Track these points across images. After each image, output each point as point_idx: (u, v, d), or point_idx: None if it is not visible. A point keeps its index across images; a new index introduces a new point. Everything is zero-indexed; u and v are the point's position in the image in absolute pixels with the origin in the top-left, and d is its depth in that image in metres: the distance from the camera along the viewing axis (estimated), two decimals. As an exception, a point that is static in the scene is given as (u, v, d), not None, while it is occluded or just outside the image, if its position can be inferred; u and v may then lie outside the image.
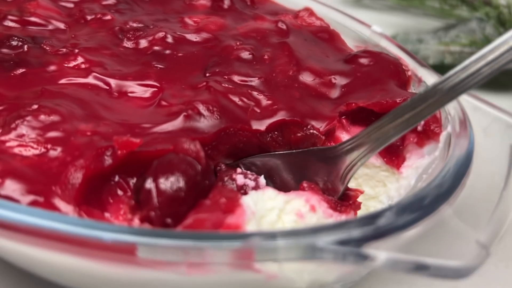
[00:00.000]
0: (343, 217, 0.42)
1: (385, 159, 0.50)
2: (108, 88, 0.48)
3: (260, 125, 0.46)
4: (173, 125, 0.44)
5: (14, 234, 0.34)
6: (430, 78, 0.53)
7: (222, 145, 0.45)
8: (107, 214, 0.39)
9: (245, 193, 0.42)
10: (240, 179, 0.43)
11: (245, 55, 0.54)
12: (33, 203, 0.36)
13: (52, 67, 0.49)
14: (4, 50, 0.49)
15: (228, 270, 0.34)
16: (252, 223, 0.36)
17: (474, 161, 0.42)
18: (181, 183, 0.37)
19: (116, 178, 0.40)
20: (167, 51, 0.53)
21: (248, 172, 0.45)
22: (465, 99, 0.50)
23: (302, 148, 0.48)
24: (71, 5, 0.59)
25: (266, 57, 0.54)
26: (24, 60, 0.48)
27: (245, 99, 0.48)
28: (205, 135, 0.44)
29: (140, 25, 0.56)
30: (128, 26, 0.56)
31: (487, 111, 0.49)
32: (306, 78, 0.52)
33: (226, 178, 0.42)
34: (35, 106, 0.42)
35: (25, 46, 0.50)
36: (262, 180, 0.43)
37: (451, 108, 0.48)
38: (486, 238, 0.37)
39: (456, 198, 0.39)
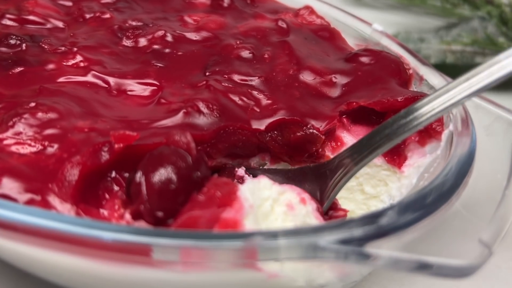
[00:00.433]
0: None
1: (386, 158, 0.50)
2: (107, 86, 0.48)
3: (260, 125, 0.47)
4: (172, 121, 0.44)
5: (12, 234, 0.34)
6: (431, 76, 0.54)
7: (221, 144, 0.45)
8: (102, 211, 0.39)
9: (242, 182, 0.42)
10: (240, 171, 0.43)
11: (245, 54, 0.54)
12: (30, 201, 0.36)
13: (51, 66, 0.49)
14: (2, 49, 0.49)
15: (229, 270, 0.34)
16: (250, 217, 0.36)
17: (476, 160, 0.42)
18: (171, 175, 0.37)
19: (113, 174, 0.40)
20: (167, 50, 0.53)
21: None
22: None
23: (301, 148, 0.48)
24: (70, 3, 0.60)
25: (266, 56, 0.54)
26: (22, 59, 0.48)
27: (245, 99, 0.48)
28: (204, 132, 0.44)
29: (139, 23, 0.57)
30: (127, 24, 0.56)
31: (489, 110, 0.49)
32: (307, 77, 0.52)
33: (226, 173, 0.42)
34: (33, 104, 0.42)
35: (24, 45, 0.50)
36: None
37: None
38: (489, 237, 0.37)
39: (458, 197, 0.39)
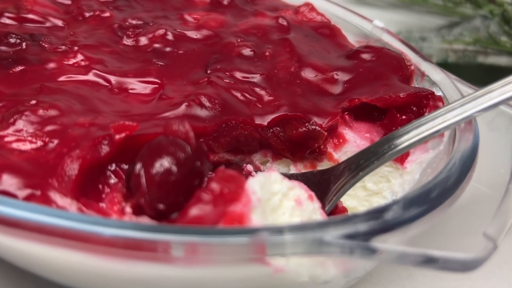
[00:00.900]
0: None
1: (389, 155, 0.51)
2: (108, 85, 0.49)
3: (262, 120, 0.47)
4: (173, 113, 0.44)
5: (11, 231, 0.34)
6: (433, 72, 0.54)
7: (223, 138, 0.46)
8: (102, 205, 0.39)
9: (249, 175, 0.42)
10: (249, 167, 0.44)
11: (247, 52, 0.55)
12: (30, 197, 0.37)
13: (52, 65, 0.50)
14: (2, 48, 0.50)
15: (235, 265, 0.35)
16: (257, 211, 0.36)
17: (479, 155, 0.43)
18: (170, 166, 0.37)
19: (113, 167, 0.40)
20: (168, 49, 0.54)
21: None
22: (469, 93, 0.51)
23: (303, 144, 0.49)
24: (69, 2, 0.60)
25: (267, 53, 0.55)
26: (23, 58, 0.49)
27: (247, 95, 0.49)
28: (206, 125, 0.44)
29: (139, 22, 0.57)
30: (127, 23, 0.57)
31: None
32: (308, 74, 0.53)
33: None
34: (34, 102, 0.43)
35: (24, 44, 0.51)
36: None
37: (456, 102, 0.49)
38: (493, 230, 0.38)
39: (462, 191, 0.40)
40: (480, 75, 0.81)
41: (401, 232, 0.36)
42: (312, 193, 0.41)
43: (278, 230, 0.34)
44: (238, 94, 0.49)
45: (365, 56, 0.55)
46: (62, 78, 0.48)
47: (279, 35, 0.58)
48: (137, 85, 0.49)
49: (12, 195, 0.37)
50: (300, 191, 0.40)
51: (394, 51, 0.57)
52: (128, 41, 0.55)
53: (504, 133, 0.48)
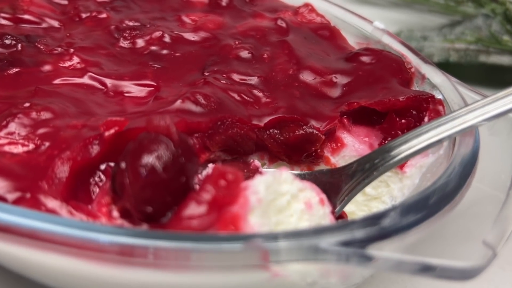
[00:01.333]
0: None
1: (388, 159, 0.50)
2: (104, 88, 0.48)
3: (259, 121, 0.47)
4: (167, 109, 0.44)
5: (5, 236, 0.34)
6: (434, 75, 0.54)
7: (218, 136, 0.45)
8: (91, 207, 0.39)
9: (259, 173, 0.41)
10: (257, 162, 0.43)
11: (244, 54, 0.54)
12: (20, 200, 0.37)
13: (47, 67, 0.49)
14: (-3, 49, 0.50)
15: (230, 271, 0.35)
16: (257, 212, 0.35)
17: (479, 160, 0.42)
18: (152, 166, 0.35)
19: (104, 166, 0.40)
20: (165, 51, 0.54)
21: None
22: (470, 96, 0.51)
23: (300, 148, 0.48)
24: (65, 2, 0.60)
25: (265, 56, 0.55)
26: (18, 60, 0.49)
27: (244, 96, 0.49)
28: (200, 120, 0.44)
29: (136, 23, 0.57)
30: (124, 24, 0.57)
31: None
32: (307, 77, 0.53)
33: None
34: (27, 104, 0.43)
35: (19, 45, 0.50)
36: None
37: (456, 105, 0.49)
38: (493, 238, 0.37)
39: (462, 198, 0.39)
40: (482, 75, 0.81)
41: (398, 239, 0.35)
42: (324, 196, 0.40)
43: (273, 237, 0.33)
44: (235, 95, 0.48)
45: (365, 58, 0.55)
46: (57, 81, 0.48)
47: (277, 37, 0.58)
48: (133, 88, 0.49)
49: (2, 198, 0.36)
50: (311, 193, 0.39)
51: (394, 54, 0.57)
52: (124, 43, 0.54)
53: (506, 138, 0.48)
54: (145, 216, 0.36)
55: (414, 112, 0.50)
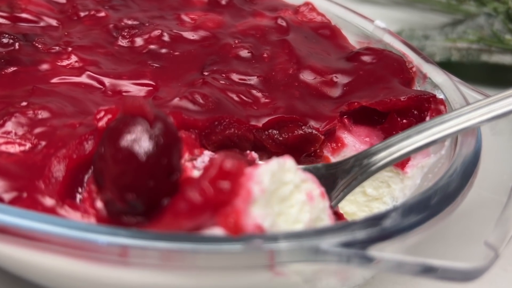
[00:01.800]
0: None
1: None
2: (102, 87, 0.48)
3: (257, 121, 0.47)
4: (164, 106, 0.44)
5: (4, 237, 0.34)
6: (435, 74, 0.54)
7: (215, 135, 0.45)
8: (83, 204, 0.38)
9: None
10: (254, 154, 0.42)
11: (244, 53, 0.54)
12: (17, 199, 0.37)
13: (45, 66, 0.49)
14: (-5, 48, 0.50)
15: (231, 271, 0.35)
16: (259, 202, 0.34)
17: (481, 160, 0.42)
18: (130, 149, 0.34)
19: None
20: (163, 50, 0.54)
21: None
22: (472, 96, 0.51)
23: (299, 148, 0.48)
24: (63, 1, 0.60)
25: (265, 55, 0.55)
26: (15, 58, 0.49)
27: (243, 96, 0.49)
28: (197, 118, 0.44)
29: (135, 22, 0.57)
30: (123, 23, 0.57)
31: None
32: (307, 76, 0.53)
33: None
34: (24, 103, 0.43)
35: (17, 44, 0.50)
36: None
37: (458, 105, 0.49)
38: (495, 239, 0.37)
39: (463, 198, 0.39)
40: (484, 74, 0.81)
41: (399, 240, 0.36)
42: (324, 190, 0.40)
43: (273, 238, 0.33)
44: (234, 96, 0.48)
45: (366, 58, 0.55)
46: (55, 80, 0.48)
47: (278, 36, 0.58)
48: (131, 88, 0.49)
49: (-1, 198, 0.37)
50: (312, 185, 0.38)
51: (395, 53, 0.57)
52: (123, 42, 0.54)
53: (508, 138, 0.48)
54: (129, 206, 0.35)
55: (415, 112, 0.50)
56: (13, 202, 0.37)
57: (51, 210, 0.37)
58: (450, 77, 0.54)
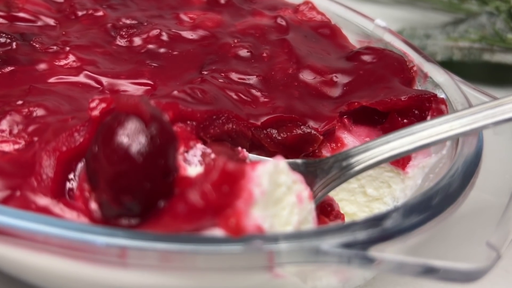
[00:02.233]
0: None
1: (390, 159, 0.50)
2: (99, 86, 0.49)
3: (256, 119, 0.47)
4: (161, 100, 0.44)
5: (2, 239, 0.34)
6: (436, 74, 0.54)
7: (213, 129, 0.45)
8: (77, 203, 0.38)
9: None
10: (245, 152, 0.42)
11: (243, 53, 0.55)
12: (9, 198, 0.37)
13: (42, 66, 0.50)
14: (-8, 48, 0.50)
15: (231, 272, 0.35)
16: (260, 205, 0.34)
17: (483, 160, 0.42)
18: (126, 150, 0.33)
19: None
20: (162, 50, 0.54)
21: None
22: (474, 95, 0.51)
23: (297, 148, 0.48)
24: (61, 0, 0.60)
25: (265, 55, 0.55)
26: (13, 58, 0.49)
27: (241, 95, 0.49)
28: (195, 109, 0.43)
29: (133, 21, 0.57)
30: (121, 23, 0.57)
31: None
32: (306, 76, 0.53)
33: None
34: (20, 102, 0.43)
35: (14, 43, 0.51)
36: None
37: (459, 104, 0.49)
38: (496, 239, 0.37)
39: (465, 198, 0.39)
40: (485, 73, 0.81)
41: (401, 241, 0.36)
42: (311, 191, 0.39)
43: (273, 239, 0.33)
44: (233, 94, 0.48)
45: (366, 57, 0.55)
46: (52, 79, 0.48)
47: (277, 35, 0.58)
48: (129, 87, 0.49)
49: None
50: (301, 186, 0.38)
51: (395, 53, 0.57)
52: (121, 42, 0.55)
53: (510, 138, 0.48)
54: (125, 207, 0.35)
55: (416, 112, 0.50)
56: (5, 201, 0.36)
57: (45, 209, 0.36)
58: (451, 76, 0.54)
